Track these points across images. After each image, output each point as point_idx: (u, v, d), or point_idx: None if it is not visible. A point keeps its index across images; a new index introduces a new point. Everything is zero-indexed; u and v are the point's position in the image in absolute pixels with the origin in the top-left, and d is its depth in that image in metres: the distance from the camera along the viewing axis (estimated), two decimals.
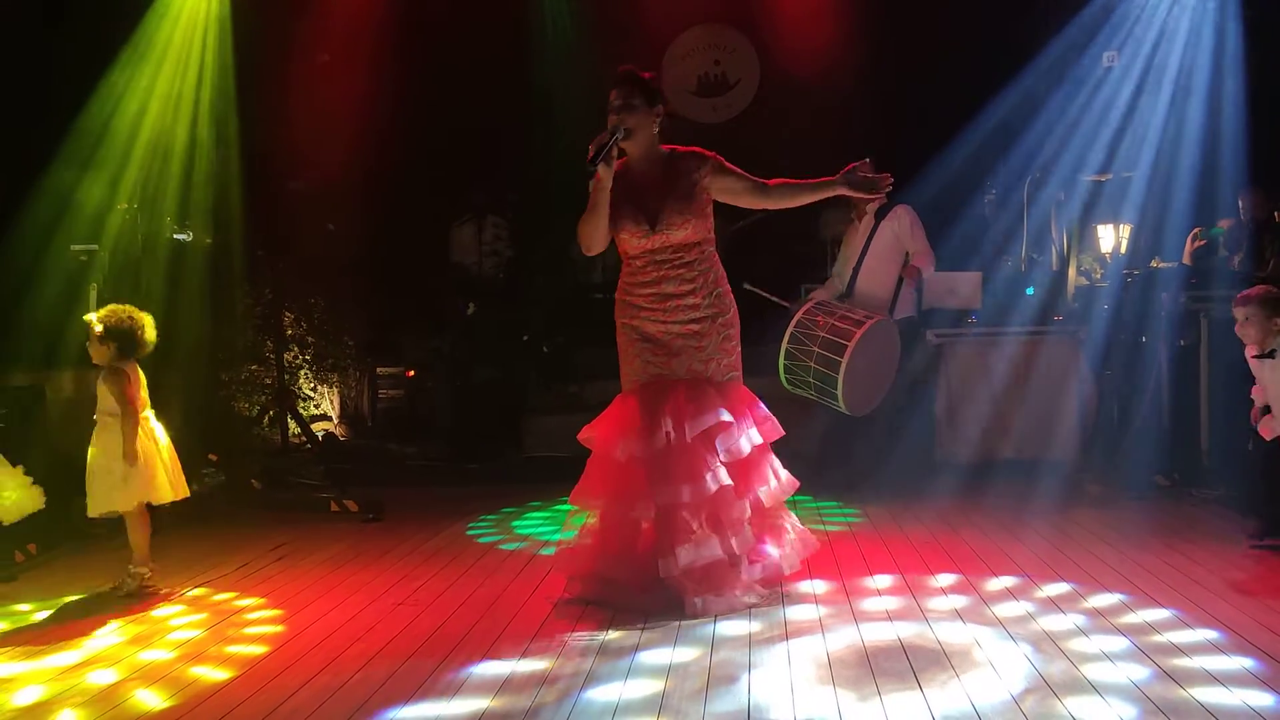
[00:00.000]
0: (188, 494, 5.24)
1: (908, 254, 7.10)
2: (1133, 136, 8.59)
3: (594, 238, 4.68)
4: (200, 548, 5.74)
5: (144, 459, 4.99)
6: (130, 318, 5.05)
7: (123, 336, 5.02)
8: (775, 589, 4.77)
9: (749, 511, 4.74)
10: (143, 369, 5.22)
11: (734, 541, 4.64)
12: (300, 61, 8.96)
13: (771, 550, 4.81)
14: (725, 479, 4.60)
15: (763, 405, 4.91)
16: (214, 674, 3.94)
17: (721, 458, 4.62)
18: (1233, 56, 8.40)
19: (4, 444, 5.27)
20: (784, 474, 4.90)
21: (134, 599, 4.94)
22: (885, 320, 6.54)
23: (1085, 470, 7.20)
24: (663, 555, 4.52)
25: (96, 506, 5.02)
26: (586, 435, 4.82)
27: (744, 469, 4.73)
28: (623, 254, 4.85)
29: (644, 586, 4.57)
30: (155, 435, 5.12)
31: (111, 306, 5.11)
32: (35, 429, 6.05)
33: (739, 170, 4.80)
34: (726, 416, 4.65)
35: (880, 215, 7.15)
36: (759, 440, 4.78)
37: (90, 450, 5.03)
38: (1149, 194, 8.31)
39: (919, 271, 7.08)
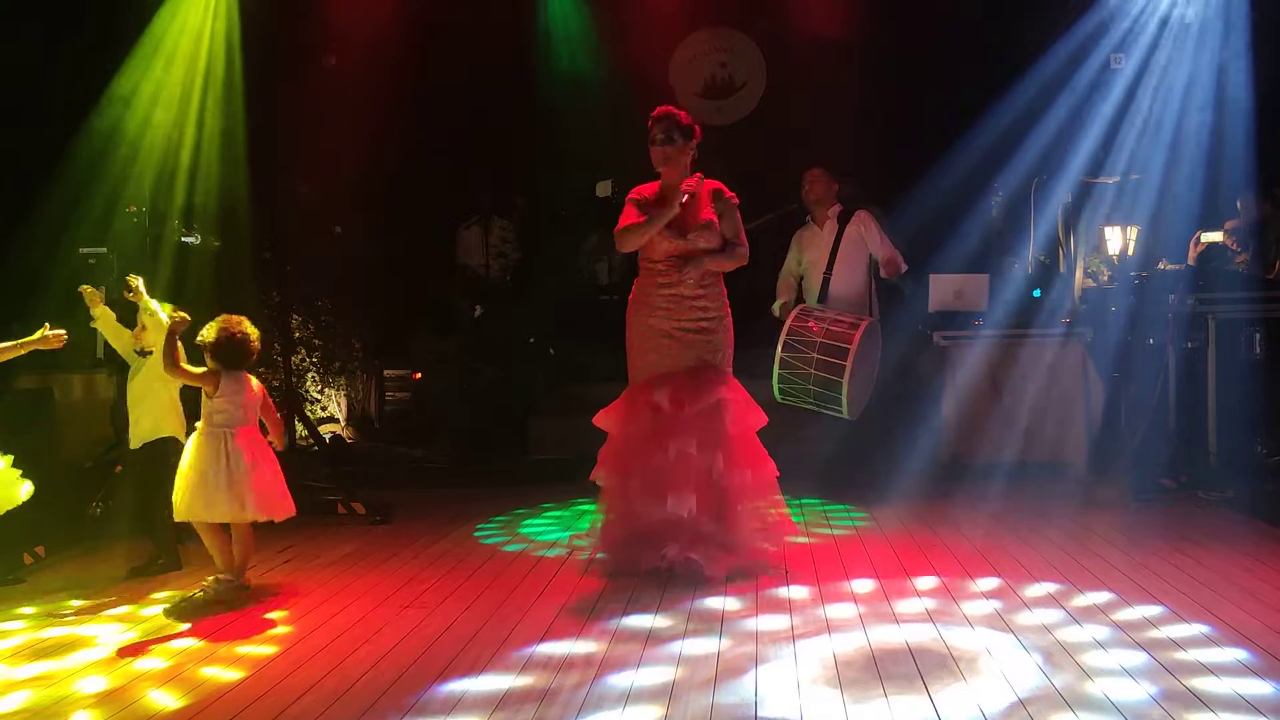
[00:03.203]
0: (283, 515, 5.09)
1: (871, 257, 7.10)
2: (1140, 138, 8.57)
3: (634, 244, 5.36)
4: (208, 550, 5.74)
5: (226, 478, 4.90)
6: (223, 331, 4.99)
7: (212, 349, 4.99)
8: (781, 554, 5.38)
9: (753, 480, 5.32)
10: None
11: (742, 508, 5.26)
12: (307, 64, 8.98)
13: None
14: (728, 450, 5.23)
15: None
16: (221, 676, 3.94)
17: (729, 428, 5.24)
18: (1240, 58, 8.38)
19: (13, 447, 5.27)
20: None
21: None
22: (874, 322, 6.58)
23: (1092, 473, 7.19)
24: (676, 494, 5.07)
25: (182, 513, 4.96)
26: (602, 419, 5.42)
27: (744, 446, 5.31)
28: (646, 257, 5.41)
29: (664, 543, 5.09)
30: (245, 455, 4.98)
31: (222, 318, 5.05)
32: (43, 431, 6.07)
33: (738, 224, 5.46)
34: (728, 394, 5.30)
35: (843, 220, 7.15)
36: (754, 424, 5.40)
37: (189, 457, 4.95)
38: (1156, 196, 8.30)
39: (900, 270, 7.08)
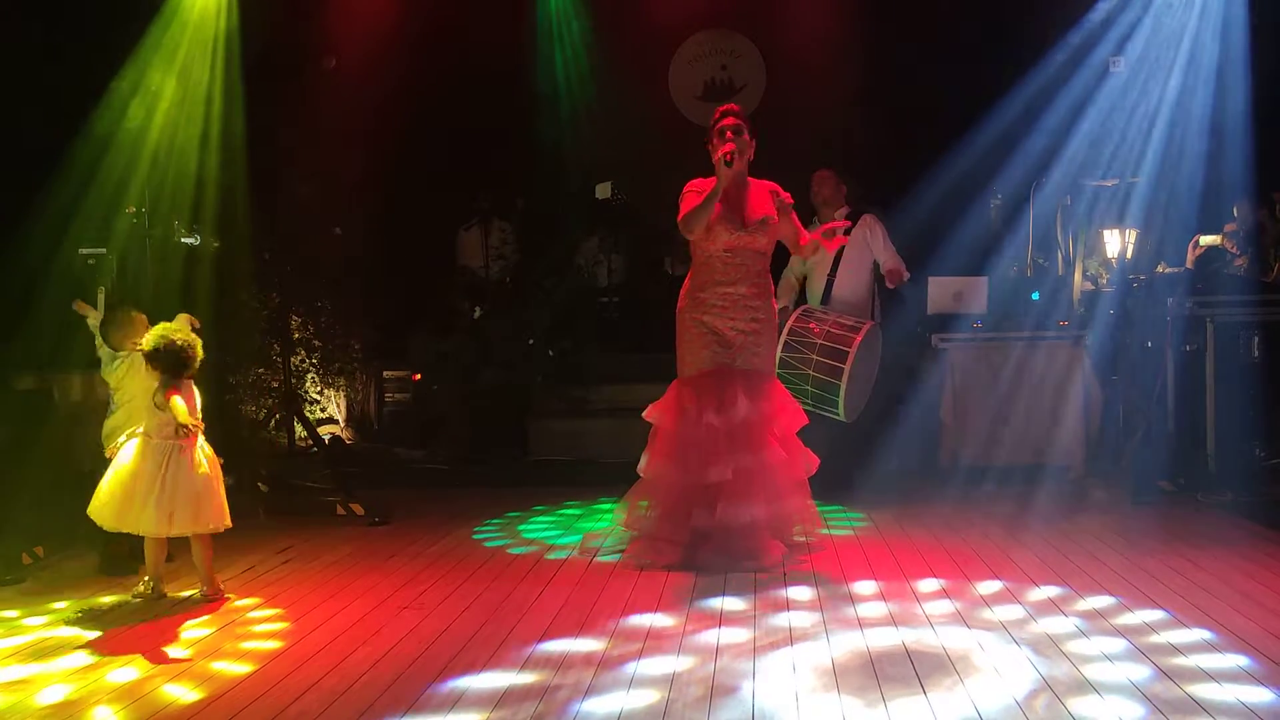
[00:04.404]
0: (222, 526, 5.07)
1: (875, 261, 7.12)
2: (1138, 141, 8.58)
3: (702, 223, 5.49)
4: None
5: (160, 491, 4.87)
6: (172, 340, 4.95)
7: (165, 358, 4.94)
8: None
9: (799, 476, 5.65)
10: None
11: (785, 502, 5.54)
12: (307, 64, 8.98)
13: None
14: (783, 450, 5.53)
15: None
16: (220, 676, 3.95)
17: (783, 428, 5.59)
18: (1239, 61, 8.39)
19: (13, 447, 5.27)
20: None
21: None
22: (875, 325, 6.59)
23: (1090, 475, 7.20)
24: (745, 503, 5.34)
25: (114, 522, 4.92)
26: (653, 414, 5.65)
27: (790, 444, 5.64)
28: (704, 252, 5.59)
29: (700, 544, 5.38)
30: (198, 463, 4.96)
31: (160, 328, 5.03)
32: (43, 432, 6.06)
33: (796, 224, 5.73)
34: (779, 396, 5.69)
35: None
36: (797, 423, 5.74)
37: (128, 465, 4.92)
38: (1155, 199, 8.30)
39: (901, 277, 7.09)
